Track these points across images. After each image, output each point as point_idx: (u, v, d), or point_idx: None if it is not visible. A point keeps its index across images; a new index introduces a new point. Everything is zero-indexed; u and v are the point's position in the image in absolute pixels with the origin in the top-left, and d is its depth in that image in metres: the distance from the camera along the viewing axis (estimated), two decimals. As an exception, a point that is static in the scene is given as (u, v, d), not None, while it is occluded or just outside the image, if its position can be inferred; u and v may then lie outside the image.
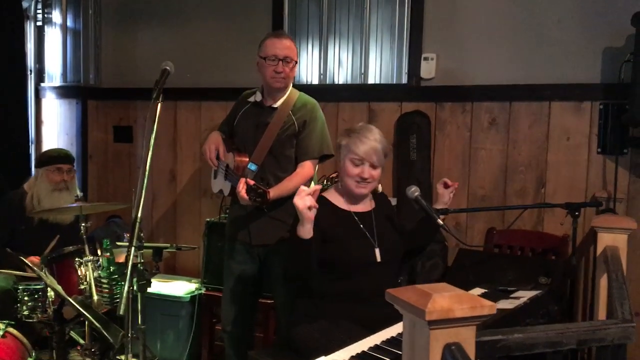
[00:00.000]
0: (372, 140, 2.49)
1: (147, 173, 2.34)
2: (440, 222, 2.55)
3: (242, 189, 2.67)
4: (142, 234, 2.36)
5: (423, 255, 3.65)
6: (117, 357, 2.92)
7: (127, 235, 3.00)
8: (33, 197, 3.58)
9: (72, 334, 3.14)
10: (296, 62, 2.93)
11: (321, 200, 2.57)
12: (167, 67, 2.58)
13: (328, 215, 2.51)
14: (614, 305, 1.54)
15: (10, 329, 2.90)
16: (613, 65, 3.34)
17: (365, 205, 2.62)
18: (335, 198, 2.59)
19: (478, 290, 2.71)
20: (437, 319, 1.13)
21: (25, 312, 2.98)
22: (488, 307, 1.16)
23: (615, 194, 3.36)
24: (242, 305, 3.08)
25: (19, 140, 4.81)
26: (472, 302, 1.15)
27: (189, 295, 3.86)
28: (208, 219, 3.86)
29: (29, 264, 2.73)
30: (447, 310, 1.13)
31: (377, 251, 2.52)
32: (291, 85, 3.01)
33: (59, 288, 2.68)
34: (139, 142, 4.68)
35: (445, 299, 1.14)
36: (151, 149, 2.39)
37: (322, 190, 3.69)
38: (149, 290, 2.48)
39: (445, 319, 1.14)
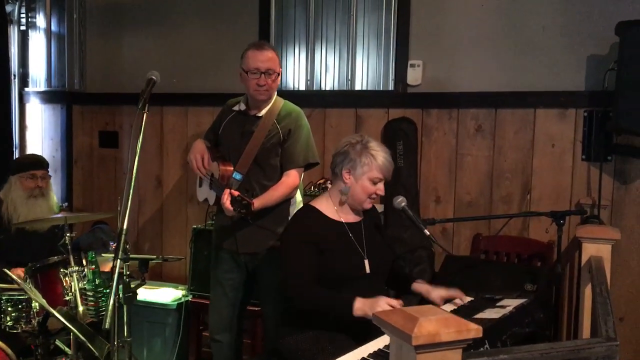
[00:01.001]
0: (387, 156, 2.50)
1: (132, 184, 2.32)
2: (427, 232, 2.57)
3: (226, 200, 2.66)
4: (127, 246, 2.35)
5: (411, 261, 3.67)
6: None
7: (112, 245, 2.98)
8: (9, 205, 3.53)
9: (58, 342, 3.11)
10: (279, 73, 2.92)
11: (311, 210, 2.57)
12: (153, 77, 2.55)
13: (320, 226, 2.50)
14: (598, 322, 1.56)
15: (-6, 340, 2.87)
16: (597, 73, 3.37)
17: (356, 216, 2.61)
18: (325, 207, 2.57)
19: (465, 299, 2.72)
20: (424, 344, 1.13)
21: (9, 323, 2.94)
22: (474, 331, 1.16)
23: (600, 201, 3.39)
24: (229, 314, 3.07)
25: (2, 145, 4.75)
26: (458, 325, 1.16)
27: (176, 303, 3.84)
28: (195, 226, 3.84)
29: (12, 275, 2.70)
30: (434, 334, 1.13)
31: (366, 262, 2.52)
32: (275, 94, 3.00)
33: (44, 302, 2.65)
34: (124, 147, 4.65)
35: (431, 323, 1.14)
36: (137, 159, 2.37)
37: (311, 196, 3.70)
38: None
39: (432, 343, 1.14)
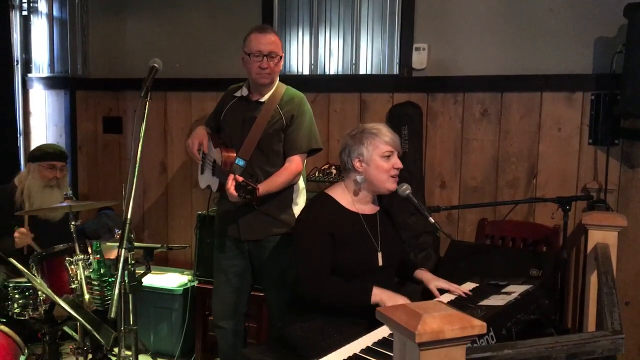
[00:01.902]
0: (388, 129, 2.48)
1: (136, 173, 2.32)
2: (432, 220, 2.55)
3: (231, 185, 2.64)
4: (132, 235, 2.35)
5: (416, 247, 3.66)
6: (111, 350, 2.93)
7: (118, 232, 2.98)
8: (23, 191, 3.56)
9: (65, 328, 3.13)
10: (281, 57, 2.90)
11: (327, 198, 2.55)
12: (155, 65, 2.54)
13: (335, 216, 2.48)
14: (604, 314, 1.55)
15: (2, 327, 2.89)
16: (605, 56, 3.32)
17: (372, 207, 2.59)
18: (341, 197, 2.54)
19: (469, 285, 2.72)
20: (428, 341, 1.13)
21: (17, 310, 2.97)
22: (478, 327, 1.15)
23: (606, 185, 3.37)
24: (233, 300, 3.08)
25: (7, 131, 4.76)
26: (462, 322, 1.15)
27: (182, 288, 3.87)
28: (199, 212, 3.84)
29: (19, 265, 2.71)
30: (438, 332, 1.12)
31: (379, 255, 2.51)
32: (277, 79, 2.98)
33: (49, 291, 2.66)
34: (128, 132, 4.64)
35: (435, 320, 1.14)
36: (140, 146, 2.36)
37: (315, 181, 3.69)
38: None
39: (436, 340, 1.14)
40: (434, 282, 2.58)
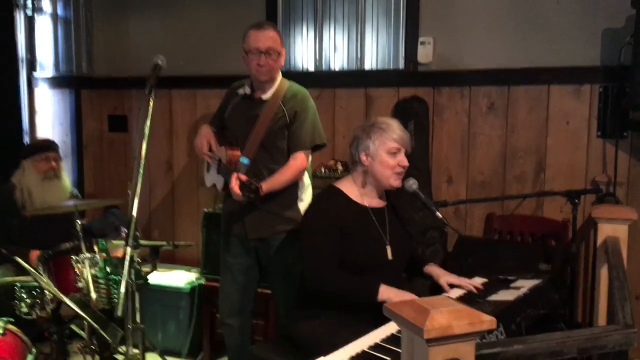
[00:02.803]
0: (398, 126, 2.46)
1: (141, 172, 2.31)
2: (439, 215, 2.53)
3: (234, 184, 2.63)
4: (138, 233, 2.34)
5: (423, 242, 3.64)
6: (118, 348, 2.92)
7: (124, 230, 2.97)
8: (23, 190, 3.55)
9: (73, 326, 3.13)
10: (280, 53, 2.85)
11: (335, 191, 2.53)
12: (159, 62, 2.53)
13: (343, 208, 2.47)
14: (615, 308, 1.52)
15: (10, 326, 2.88)
16: (613, 48, 3.29)
17: (380, 201, 2.57)
18: (350, 190, 2.53)
19: (478, 280, 2.70)
20: (436, 337, 1.11)
21: (24, 310, 2.96)
22: (487, 322, 1.13)
23: (616, 178, 3.33)
24: (239, 298, 3.07)
25: (12, 130, 4.76)
26: (471, 317, 1.13)
27: (189, 286, 3.86)
28: (206, 210, 3.83)
29: (24, 264, 2.70)
30: (446, 327, 1.10)
31: (388, 249, 2.49)
32: (280, 75, 2.95)
33: (56, 290, 2.65)
34: (134, 131, 4.63)
35: (443, 316, 1.12)
36: (144, 146, 2.36)
37: (321, 178, 3.67)
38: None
39: (444, 336, 1.12)
40: (445, 277, 2.56)
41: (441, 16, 3.67)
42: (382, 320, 2.18)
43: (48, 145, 3.69)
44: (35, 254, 3.33)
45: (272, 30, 2.85)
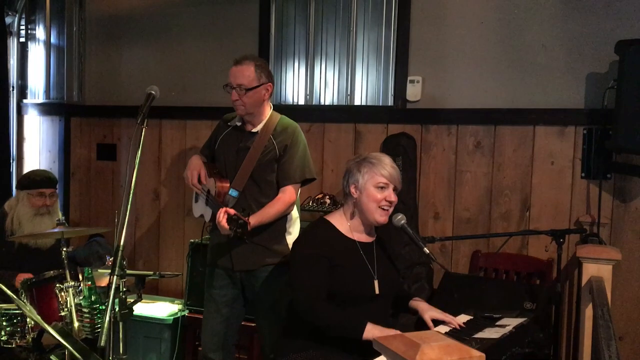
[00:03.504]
0: (391, 165, 2.49)
1: (130, 201, 2.30)
2: (427, 250, 2.55)
3: (222, 218, 2.62)
4: (124, 262, 2.32)
5: (409, 278, 3.64)
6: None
7: (109, 259, 2.95)
8: (13, 219, 3.52)
9: (53, 357, 3.07)
10: (253, 88, 2.82)
11: (325, 223, 2.54)
12: (153, 92, 2.53)
13: (332, 241, 2.48)
14: (600, 346, 1.54)
15: (-12, 356, 2.83)
16: (597, 91, 3.38)
17: (369, 237, 2.58)
18: (340, 223, 2.54)
19: (464, 317, 2.69)
20: (426, 371, 1.11)
21: (4, 337, 2.91)
22: (477, 358, 1.14)
23: (599, 219, 3.38)
24: (223, 331, 3.02)
25: (0, 157, 4.74)
26: (461, 353, 1.14)
27: (172, 318, 3.81)
28: (192, 240, 3.82)
29: (7, 291, 2.66)
30: (436, 362, 1.11)
31: (376, 283, 2.49)
32: (270, 108, 2.97)
33: (38, 318, 2.60)
34: (122, 160, 4.63)
35: (433, 350, 1.12)
36: (135, 175, 2.36)
37: (309, 211, 3.68)
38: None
39: (434, 370, 1.12)
40: (429, 313, 2.56)
41: (430, 56, 3.76)
42: (368, 355, 2.18)
43: (46, 181, 3.65)
44: (23, 276, 3.28)
45: (246, 66, 2.84)
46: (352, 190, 2.48)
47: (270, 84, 2.90)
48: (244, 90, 2.83)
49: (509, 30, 3.59)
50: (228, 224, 2.58)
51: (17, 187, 3.71)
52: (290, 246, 2.83)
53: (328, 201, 3.80)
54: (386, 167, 2.46)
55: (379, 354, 2.15)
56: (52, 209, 3.60)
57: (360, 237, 2.55)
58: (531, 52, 3.54)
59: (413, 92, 3.77)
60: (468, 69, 3.68)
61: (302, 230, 2.73)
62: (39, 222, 3.52)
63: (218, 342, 3.03)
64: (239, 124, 2.96)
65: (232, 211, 2.60)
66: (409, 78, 3.78)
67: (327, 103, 4.08)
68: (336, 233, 2.51)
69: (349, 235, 2.53)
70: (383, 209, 2.47)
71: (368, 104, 3.98)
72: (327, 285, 2.40)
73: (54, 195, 3.65)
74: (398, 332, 2.34)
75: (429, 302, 2.74)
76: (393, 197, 2.48)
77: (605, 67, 3.37)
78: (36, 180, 3.62)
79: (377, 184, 2.45)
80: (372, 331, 2.30)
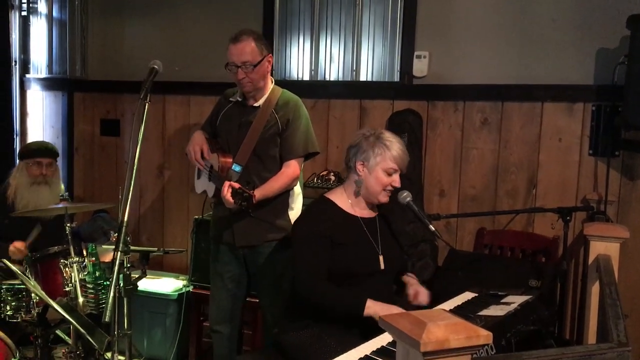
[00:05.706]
0: (401, 147, 2.45)
1: (133, 176, 2.28)
2: (432, 227, 2.53)
3: (227, 192, 2.61)
4: (128, 238, 2.31)
5: (414, 255, 3.63)
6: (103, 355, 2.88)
7: (113, 235, 2.95)
8: (15, 190, 3.53)
9: (58, 332, 3.09)
10: (259, 63, 2.79)
11: (326, 202, 2.53)
12: (156, 66, 2.50)
13: (334, 219, 2.46)
14: (608, 325, 1.52)
15: (-6, 330, 2.85)
16: (607, 67, 3.32)
17: (371, 211, 2.57)
18: (341, 201, 2.52)
19: (468, 295, 2.69)
20: (432, 350, 1.10)
21: (9, 312, 2.92)
22: (484, 337, 1.13)
23: (607, 197, 3.35)
24: (229, 305, 3.05)
25: (3, 132, 4.72)
26: (468, 331, 1.12)
27: (177, 293, 3.82)
28: (196, 217, 3.81)
29: (12, 267, 2.67)
30: (443, 341, 1.10)
31: (381, 258, 2.48)
32: (272, 82, 2.94)
33: (42, 293, 2.62)
34: (126, 135, 4.61)
35: (440, 329, 1.11)
36: (138, 150, 2.33)
37: (313, 187, 3.66)
38: (135, 286, 2.44)
39: (441, 349, 1.11)
40: (412, 285, 2.60)
41: (437, 31, 3.69)
42: (371, 332, 2.18)
43: (42, 150, 3.64)
44: (19, 244, 3.29)
45: (247, 42, 2.79)
46: (359, 167, 2.45)
47: (270, 54, 2.88)
48: (250, 67, 2.79)
49: (517, 4, 3.51)
50: (233, 198, 2.57)
51: (18, 158, 3.72)
52: (292, 221, 2.82)
53: (333, 178, 3.77)
54: (399, 153, 2.43)
55: (382, 331, 2.15)
56: (51, 180, 3.59)
57: (363, 212, 2.53)
58: (540, 27, 3.47)
59: (420, 67, 3.71)
60: (475, 44, 3.62)
61: (303, 209, 2.72)
62: (35, 190, 3.52)
63: (225, 316, 3.06)
64: (240, 99, 2.93)
65: (236, 185, 2.59)
66: (416, 53, 3.72)
67: (332, 79, 4.03)
68: (337, 210, 2.49)
69: (351, 211, 2.51)
70: (387, 192, 2.47)
71: (374, 79, 3.93)
72: (329, 264, 2.39)
73: (52, 166, 3.63)
74: (399, 307, 2.34)
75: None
76: (398, 183, 2.47)
77: (615, 42, 3.31)
78: (32, 149, 3.63)
79: (387, 169, 2.43)
80: (372, 307, 2.30)
